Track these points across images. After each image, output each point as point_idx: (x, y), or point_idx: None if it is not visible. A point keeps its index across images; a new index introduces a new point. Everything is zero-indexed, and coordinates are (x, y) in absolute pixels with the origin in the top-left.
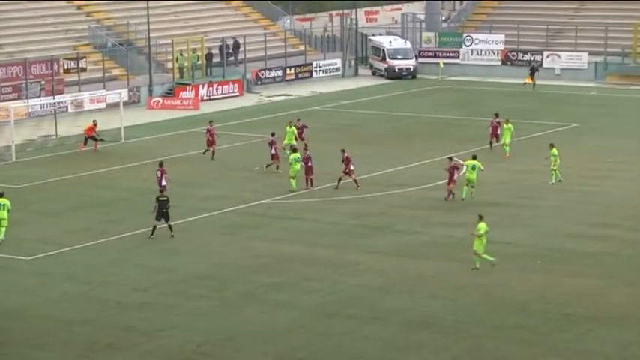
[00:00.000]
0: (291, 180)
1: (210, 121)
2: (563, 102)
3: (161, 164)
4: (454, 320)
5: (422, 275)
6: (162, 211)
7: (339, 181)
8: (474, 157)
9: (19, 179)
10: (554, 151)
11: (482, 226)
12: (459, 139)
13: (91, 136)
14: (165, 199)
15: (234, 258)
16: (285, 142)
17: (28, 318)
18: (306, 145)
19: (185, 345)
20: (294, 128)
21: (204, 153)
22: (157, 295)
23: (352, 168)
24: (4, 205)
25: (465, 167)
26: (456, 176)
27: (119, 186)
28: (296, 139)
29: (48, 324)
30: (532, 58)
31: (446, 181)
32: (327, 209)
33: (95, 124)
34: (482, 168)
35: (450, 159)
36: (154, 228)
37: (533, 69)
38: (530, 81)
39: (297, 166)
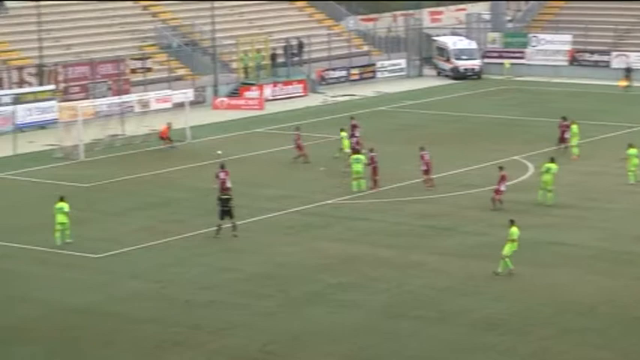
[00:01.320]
0: (354, 181)
1: (297, 127)
2: (633, 103)
3: (222, 166)
4: (521, 322)
5: (488, 277)
6: (225, 209)
7: (424, 182)
8: (552, 160)
9: (86, 178)
10: (634, 150)
11: (515, 231)
12: (525, 140)
13: (166, 137)
14: (227, 196)
15: (300, 258)
16: (343, 147)
17: (97, 316)
18: (372, 149)
19: (251, 344)
20: (345, 133)
21: (296, 158)
22: (223, 295)
23: (426, 168)
24: (61, 208)
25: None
26: (502, 187)
27: (184, 185)
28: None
29: (116, 322)
30: (627, 59)
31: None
32: (393, 210)
33: (169, 126)
34: (556, 171)
35: (500, 168)
36: (219, 227)
37: (629, 70)
38: (626, 83)
39: (358, 167)
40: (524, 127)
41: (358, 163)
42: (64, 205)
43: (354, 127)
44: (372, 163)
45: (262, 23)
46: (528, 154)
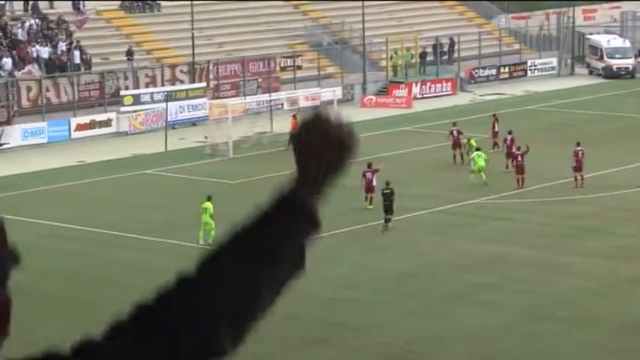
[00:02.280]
0: (478, 174)
1: (454, 123)
2: None
3: (370, 165)
4: None
5: (636, 280)
6: (386, 204)
7: (574, 179)
8: None
9: (233, 175)
10: None
11: None
12: None
13: None
14: (389, 191)
15: (444, 257)
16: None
17: None
18: (519, 147)
19: (394, 343)
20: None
21: (455, 157)
22: (367, 292)
23: (576, 165)
24: (206, 209)
25: None
26: None
27: None
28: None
29: None
30: None
31: None
32: (538, 210)
33: (296, 117)
34: None
35: None
36: (385, 220)
37: None
38: None
39: (481, 162)
40: None
41: (480, 158)
42: (209, 206)
43: (496, 121)
44: (517, 161)
45: (412, 22)
46: None
